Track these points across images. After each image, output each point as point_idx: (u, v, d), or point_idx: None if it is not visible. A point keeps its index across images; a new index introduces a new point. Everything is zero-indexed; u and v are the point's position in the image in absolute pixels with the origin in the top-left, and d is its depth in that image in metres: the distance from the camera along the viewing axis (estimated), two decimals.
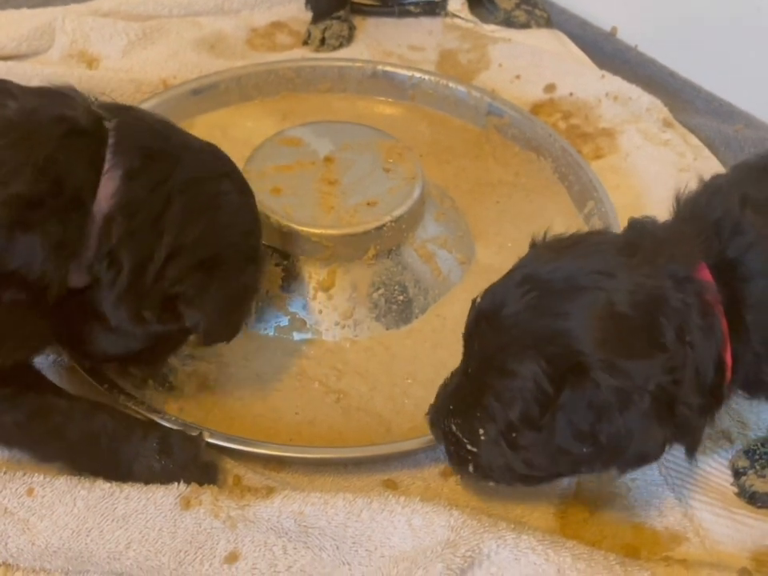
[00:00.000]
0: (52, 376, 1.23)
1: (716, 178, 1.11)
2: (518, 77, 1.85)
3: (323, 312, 1.35)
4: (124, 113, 1.12)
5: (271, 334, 1.34)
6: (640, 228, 1.06)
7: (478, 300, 1.06)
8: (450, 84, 1.74)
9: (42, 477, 1.12)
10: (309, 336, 1.34)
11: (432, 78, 1.75)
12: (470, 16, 2.05)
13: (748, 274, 1.01)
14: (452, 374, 1.10)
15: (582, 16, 2.06)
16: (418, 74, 1.76)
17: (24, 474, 1.13)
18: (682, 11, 1.88)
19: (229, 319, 1.19)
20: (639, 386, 0.95)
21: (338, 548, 1.08)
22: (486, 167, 1.65)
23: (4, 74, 1.69)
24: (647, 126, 1.73)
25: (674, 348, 0.97)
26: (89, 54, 1.83)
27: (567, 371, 0.96)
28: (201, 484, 1.12)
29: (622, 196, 1.57)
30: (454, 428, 1.07)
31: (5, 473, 1.13)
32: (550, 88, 1.82)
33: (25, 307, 1.04)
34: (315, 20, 1.95)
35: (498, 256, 1.46)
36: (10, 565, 1.08)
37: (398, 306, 1.37)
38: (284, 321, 1.35)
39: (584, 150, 1.69)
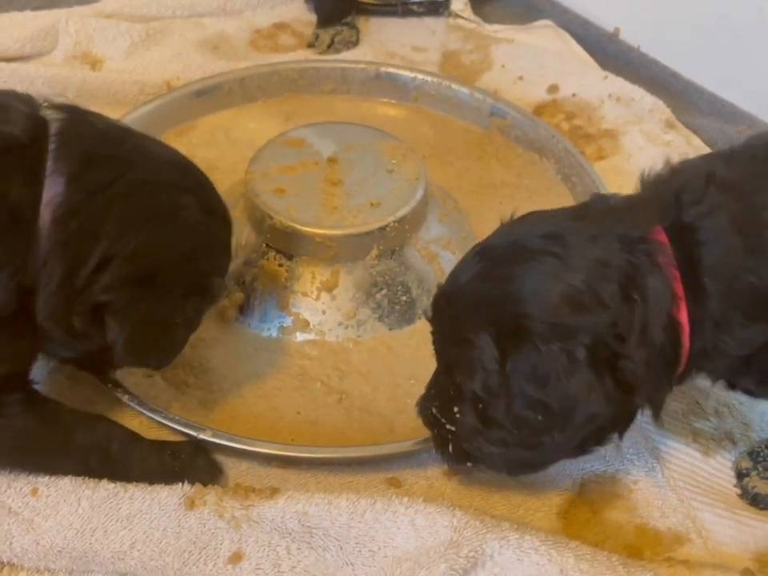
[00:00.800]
0: (52, 384, 1.24)
1: (683, 161, 1.10)
2: (520, 78, 1.86)
3: (327, 312, 1.35)
4: (72, 116, 1.08)
5: (274, 334, 1.35)
6: (599, 198, 1.07)
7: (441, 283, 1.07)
8: (453, 85, 1.74)
9: (46, 477, 1.12)
10: (312, 336, 1.34)
11: (435, 79, 1.76)
12: (472, 16, 2.06)
13: (705, 238, 0.98)
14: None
15: (585, 16, 2.06)
16: (420, 76, 1.76)
17: (29, 474, 1.12)
18: (684, 12, 1.88)
19: (153, 346, 1.13)
20: (579, 343, 0.95)
21: (341, 548, 1.08)
22: (489, 168, 1.65)
23: (8, 75, 1.71)
24: (650, 127, 1.74)
25: (616, 305, 0.95)
26: (92, 56, 1.83)
27: (509, 335, 0.96)
28: (205, 484, 1.12)
29: None
30: (434, 411, 1.08)
31: (9, 472, 1.13)
32: (552, 89, 1.83)
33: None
34: (323, 24, 1.95)
35: None
36: (14, 565, 1.08)
37: (401, 306, 1.37)
38: (287, 321, 1.35)
39: (587, 151, 1.69)
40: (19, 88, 1.65)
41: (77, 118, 1.08)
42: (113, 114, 1.63)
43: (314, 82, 1.76)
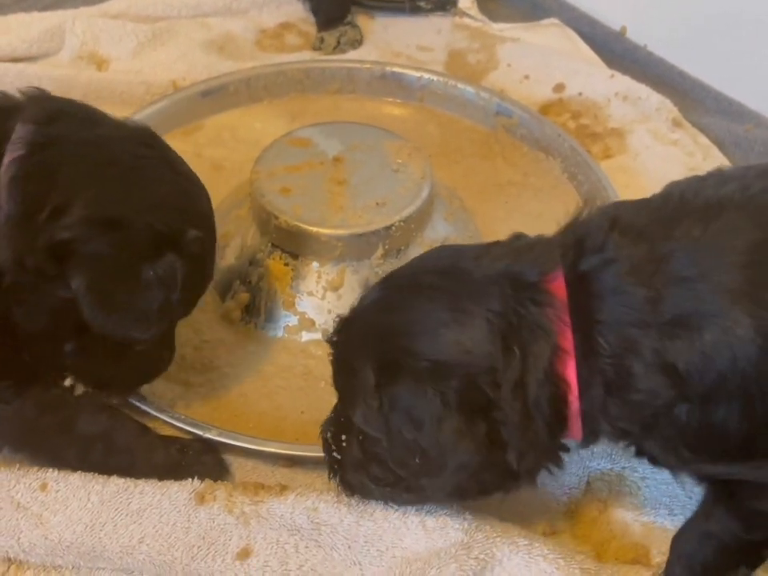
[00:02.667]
0: None
1: (603, 205, 1.05)
2: (526, 77, 1.85)
3: (332, 312, 1.35)
4: (44, 93, 1.11)
5: (280, 334, 1.35)
6: (514, 236, 1.03)
7: None
8: (459, 85, 1.74)
9: (55, 472, 1.12)
10: (318, 336, 1.34)
11: (441, 78, 1.76)
12: (479, 14, 2.05)
13: (599, 290, 0.92)
14: None
15: (592, 15, 2.05)
16: (426, 75, 1.76)
17: (38, 470, 1.13)
18: (691, 11, 1.88)
19: (123, 301, 1.06)
20: (452, 386, 0.91)
21: (349, 547, 1.08)
22: (495, 167, 1.65)
23: (15, 76, 1.72)
24: (657, 125, 1.73)
25: (496, 354, 0.91)
26: (99, 56, 1.84)
27: (386, 369, 0.94)
28: (214, 480, 1.12)
29: (632, 196, 1.53)
30: (328, 435, 1.06)
31: (18, 468, 1.13)
32: (558, 88, 1.82)
33: None
34: (325, 26, 1.94)
35: None
36: (21, 564, 1.09)
37: None
38: (293, 320, 1.35)
39: (593, 149, 1.68)
40: None
41: (47, 95, 1.11)
42: (119, 114, 1.63)
43: (319, 82, 1.76)
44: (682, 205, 0.96)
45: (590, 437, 0.98)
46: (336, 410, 1.06)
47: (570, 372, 0.92)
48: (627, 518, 1.16)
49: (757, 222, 0.91)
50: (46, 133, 1.04)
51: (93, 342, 1.10)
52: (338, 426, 1.05)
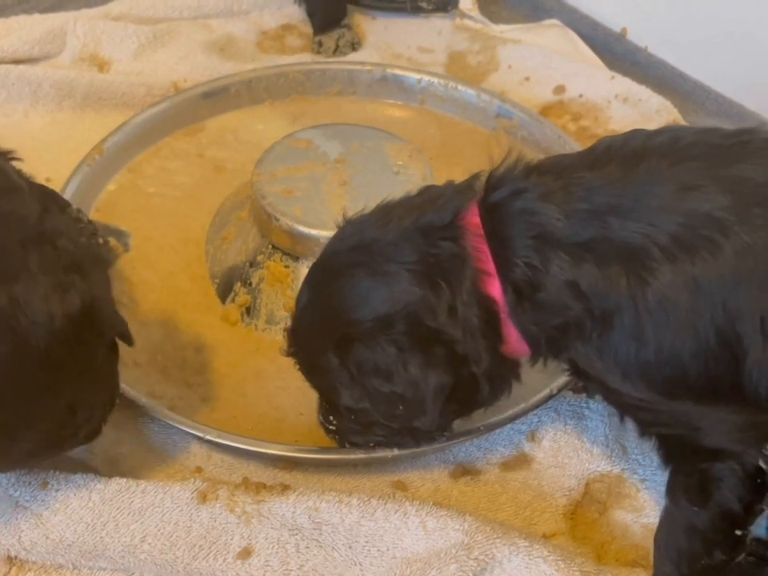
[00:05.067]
0: None
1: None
2: (527, 78, 1.85)
3: None
4: None
5: (280, 336, 1.34)
6: (423, 190, 1.09)
7: None
8: (459, 86, 1.74)
9: (56, 472, 1.12)
10: None
11: (441, 80, 1.75)
12: (480, 16, 2.05)
13: (511, 213, 0.98)
14: None
15: (593, 16, 2.05)
16: (427, 77, 1.76)
17: (38, 469, 1.12)
18: (692, 12, 1.88)
19: None
20: (399, 330, 1.00)
21: (350, 547, 1.08)
22: None
23: (16, 78, 1.72)
24: (657, 127, 1.73)
25: (425, 291, 0.99)
26: (100, 58, 1.84)
27: (341, 347, 1.03)
28: None
29: None
30: (320, 418, 1.17)
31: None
32: (559, 89, 1.82)
33: None
34: (322, 30, 1.93)
35: None
36: (23, 565, 1.09)
37: None
38: None
39: None
40: (27, 90, 1.72)
41: None
42: (120, 115, 1.67)
43: (320, 84, 1.76)
44: (607, 152, 0.99)
45: (535, 351, 1.04)
46: (321, 403, 1.16)
47: (494, 289, 0.99)
48: (627, 520, 1.16)
49: (674, 171, 0.94)
50: None
51: None
52: (330, 413, 1.15)
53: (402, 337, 1.00)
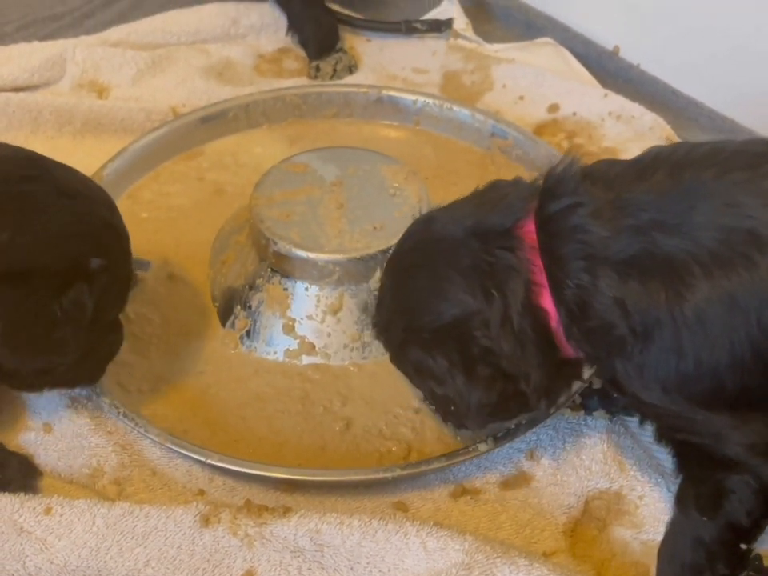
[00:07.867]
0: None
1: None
2: (521, 97, 1.87)
3: (332, 335, 1.36)
4: None
5: (280, 358, 1.36)
6: (490, 187, 1.13)
7: None
8: (454, 107, 1.76)
9: (60, 497, 1.13)
10: (318, 359, 1.35)
11: (436, 101, 1.77)
12: (474, 35, 2.07)
13: (565, 230, 1.01)
14: None
15: (585, 35, 2.07)
16: (422, 98, 1.77)
17: (42, 494, 1.14)
18: (683, 30, 1.89)
19: (38, 343, 1.09)
20: (451, 346, 1.06)
21: (352, 569, 1.09)
22: None
23: (16, 105, 1.74)
24: (651, 144, 1.72)
25: (479, 303, 1.03)
26: (99, 84, 1.85)
27: (399, 347, 1.13)
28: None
29: None
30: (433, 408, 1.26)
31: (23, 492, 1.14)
32: (553, 108, 1.84)
33: None
34: (318, 55, 1.95)
35: None
36: None
37: None
38: (293, 344, 1.36)
39: None
40: (27, 117, 1.73)
41: None
42: (120, 141, 1.68)
43: (317, 107, 1.78)
44: (654, 162, 1.02)
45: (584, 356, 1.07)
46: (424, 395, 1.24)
47: (546, 301, 1.02)
48: (626, 537, 1.17)
49: (719, 183, 0.97)
50: None
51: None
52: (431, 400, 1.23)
53: (454, 354, 1.06)
